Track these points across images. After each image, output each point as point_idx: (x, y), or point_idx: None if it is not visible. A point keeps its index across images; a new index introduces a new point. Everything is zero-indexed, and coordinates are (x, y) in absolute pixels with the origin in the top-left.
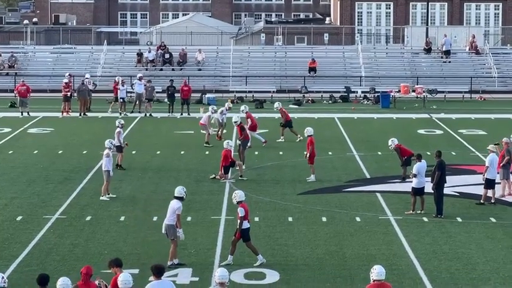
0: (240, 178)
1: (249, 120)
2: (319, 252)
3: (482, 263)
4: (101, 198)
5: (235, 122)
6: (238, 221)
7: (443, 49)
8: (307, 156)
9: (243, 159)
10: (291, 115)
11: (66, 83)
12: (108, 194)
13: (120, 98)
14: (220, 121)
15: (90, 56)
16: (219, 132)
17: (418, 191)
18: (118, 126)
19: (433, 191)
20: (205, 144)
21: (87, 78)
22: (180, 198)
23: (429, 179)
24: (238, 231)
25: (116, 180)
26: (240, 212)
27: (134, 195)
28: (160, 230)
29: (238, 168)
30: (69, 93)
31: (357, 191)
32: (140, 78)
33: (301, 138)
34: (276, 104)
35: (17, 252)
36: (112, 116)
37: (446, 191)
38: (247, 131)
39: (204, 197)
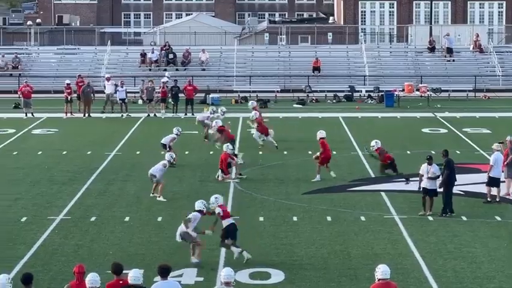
0: (239, 176)
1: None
2: (324, 252)
3: (487, 261)
4: (158, 198)
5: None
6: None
7: (446, 45)
8: (318, 156)
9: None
10: (295, 115)
11: (68, 84)
12: (159, 196)
13: (120, 99)
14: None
15: (93, 56)
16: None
17: (430, 192)
18: (177, 134)
19: (441, 190)
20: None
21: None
22: (200, 212)
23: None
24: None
25: (119, 180)
26: (219, 211)
27: (139, 196)
28: (164, 230)
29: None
30: (69, 97)
31: (362, 190)
32: (108, 79)
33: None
34: (250, 103)
35: (21, 253)
36: (114, 117)
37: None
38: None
39: (208, 197)
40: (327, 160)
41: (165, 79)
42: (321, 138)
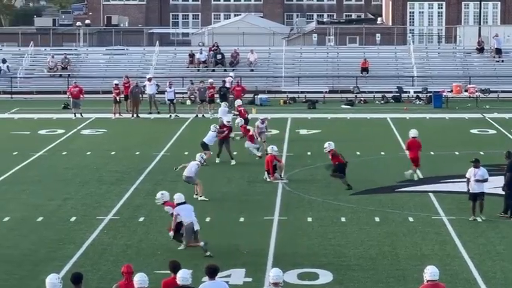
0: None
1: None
2: (372, 253)
3: None
4: (200, 198)
5: (228, 122)
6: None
7: (495, 46)
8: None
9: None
10: (343, 115)
11: (116, 84)
12: (201, 196)
13: (168, 99)
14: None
15: (142, 57)
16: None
17: (478, 196)
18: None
19: (503, 192)
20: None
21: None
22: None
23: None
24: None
25: (168, 181)
26: (169, 210)
27: (187, 196)
28: (212, 230)
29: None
30: (117, 97)
31: (410, 191)
32: (150, 79)
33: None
34: (238, 102)
35: (71, 253)
36: (162, 117)
37: (498, 191)
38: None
39: (256, 198)
40: (415, 160)
41: (229, 79)
42: (412, 137)
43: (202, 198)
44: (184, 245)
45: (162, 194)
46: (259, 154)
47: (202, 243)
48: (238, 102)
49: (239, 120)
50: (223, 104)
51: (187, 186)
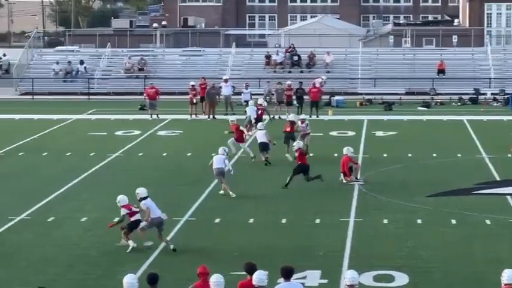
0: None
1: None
2: (448, 255)
3: None
4: (232, 194)
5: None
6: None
7: None
8: None
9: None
10: (419, 117)
11: (192, 85)
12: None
13: (245, 101)
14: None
15: (218, 58)
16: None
17: None
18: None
19: None
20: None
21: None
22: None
23: None
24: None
25: (243, 182)
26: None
27: (263, 198)
28: (288, 232)
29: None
30: (194, 99)
31: (487, 193)
32: (226, 81)
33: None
34: (260, 100)
35: (147, 254)
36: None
37: None
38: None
39: (332, 199)
40: None
41: (319, 80)
42: None
43: (225, 193)
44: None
45: (123, 196)
46: (232, 151)
47: (150, 243)
48: (260, 100)
49: (233, 118)
50: (250, 102)
51: (263, 187)
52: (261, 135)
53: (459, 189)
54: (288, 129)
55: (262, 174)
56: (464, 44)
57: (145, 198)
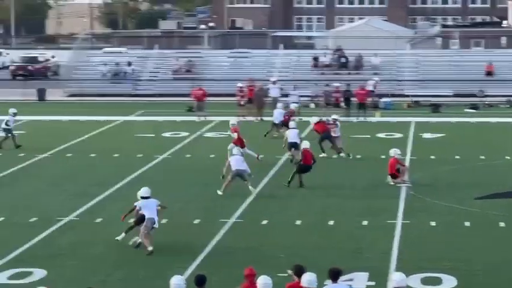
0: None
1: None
2: (496, 259)
3: None
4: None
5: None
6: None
7: None
8: None
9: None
10: (467, 119)
11: (240, 87)
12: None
13: (292, 102)
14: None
15: (266, 60)
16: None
17: None
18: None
19: None
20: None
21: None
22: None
23: None
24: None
25: (291, 185)
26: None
27: (310, 200)
28: (335, 233)
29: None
30: (242, 102)
31: None
32: (274, 82)
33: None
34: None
35: (194, 256)
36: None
37: None
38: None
39: (379, 201)
40: None
41: (372, 81)
42: None
43: (252, 188)
44: (138, 239)
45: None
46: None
47: (138, 240)
48: (293, 105)
49: (234, 121)
50: (279, 105)
51: (310, 189)
52: (292, 135)
53: (507, 192)
54: (320, 129)
55: (308, 175)
56: None
57: (145, 198)
